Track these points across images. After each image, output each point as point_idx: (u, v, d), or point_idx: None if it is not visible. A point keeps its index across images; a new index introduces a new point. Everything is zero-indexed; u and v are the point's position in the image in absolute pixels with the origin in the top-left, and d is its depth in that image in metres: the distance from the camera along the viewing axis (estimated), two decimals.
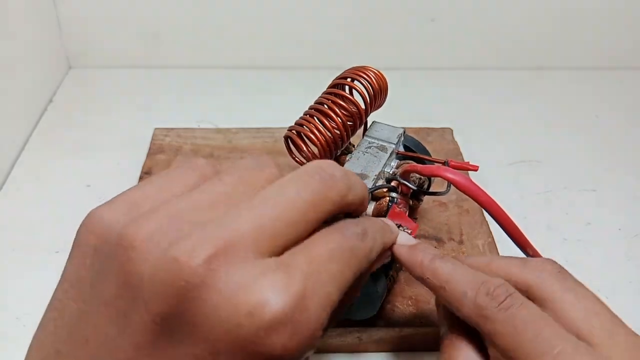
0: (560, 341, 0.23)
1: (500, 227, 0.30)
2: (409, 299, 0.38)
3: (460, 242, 0.43)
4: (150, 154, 0.51)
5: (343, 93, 0.37)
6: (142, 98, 0.63)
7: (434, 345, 0.37)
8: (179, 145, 0.52)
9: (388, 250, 0.28)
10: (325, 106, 0.36)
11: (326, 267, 0.20)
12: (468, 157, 0.51)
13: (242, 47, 0.67)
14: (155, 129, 0.54)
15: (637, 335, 0.25)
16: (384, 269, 0.33)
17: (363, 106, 0.37)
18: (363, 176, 0.34)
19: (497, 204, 0.29)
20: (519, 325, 0.24)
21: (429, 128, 0.54)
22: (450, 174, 0.30)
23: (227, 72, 0.67)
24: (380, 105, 0.39)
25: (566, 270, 0.27)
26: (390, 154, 0.36)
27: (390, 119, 0.40)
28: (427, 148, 0.39)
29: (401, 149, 0.38)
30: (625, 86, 0.67)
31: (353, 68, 0.38)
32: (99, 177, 0.51)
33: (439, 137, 0.53)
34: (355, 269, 0.21)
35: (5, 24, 0.54)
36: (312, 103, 0.37)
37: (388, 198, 0.32)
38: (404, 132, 0.38)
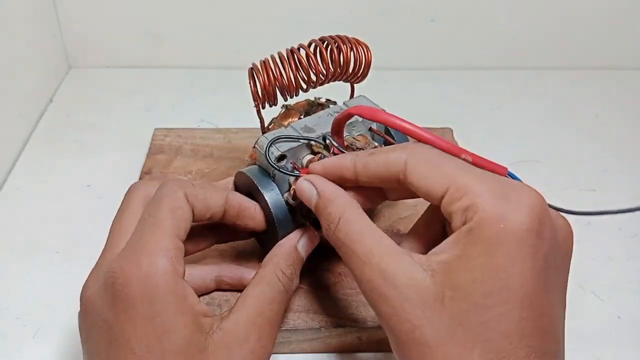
0: None
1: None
2: None
3: None
4: (150, 154, 0.51)
5: (309, 52, 0.38)
6: (142, 98, 0.63)
7: None
8: (179, 145, 0.52)
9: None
10: (295, 55, 0.38)
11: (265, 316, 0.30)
12: None
13: (242, 47, 0.67)
14: (155, 129, 0.54)
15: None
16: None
17: (324, 68, 0.38)
18: (309, 129, 0.36)
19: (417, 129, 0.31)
20: None
21: (429, 128, 0.54)
22: (387, 116, 0.31)
23: (227, 72, 0.67)
24: (355, 77, 0.39)
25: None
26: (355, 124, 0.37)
27: None
28: None
29: (378, 129, 0.38)
30: (625, 86, 0.67)
31: (341, 35, 0.39)
32: (99, 177, 0.51)
33: None
34: (288, 298, 0.32)
35: (5, 24, 0.54)
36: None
37: (320, 155, 0.35)
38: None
